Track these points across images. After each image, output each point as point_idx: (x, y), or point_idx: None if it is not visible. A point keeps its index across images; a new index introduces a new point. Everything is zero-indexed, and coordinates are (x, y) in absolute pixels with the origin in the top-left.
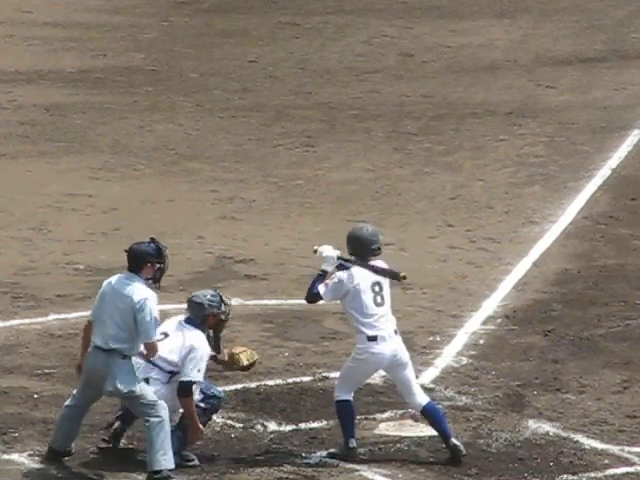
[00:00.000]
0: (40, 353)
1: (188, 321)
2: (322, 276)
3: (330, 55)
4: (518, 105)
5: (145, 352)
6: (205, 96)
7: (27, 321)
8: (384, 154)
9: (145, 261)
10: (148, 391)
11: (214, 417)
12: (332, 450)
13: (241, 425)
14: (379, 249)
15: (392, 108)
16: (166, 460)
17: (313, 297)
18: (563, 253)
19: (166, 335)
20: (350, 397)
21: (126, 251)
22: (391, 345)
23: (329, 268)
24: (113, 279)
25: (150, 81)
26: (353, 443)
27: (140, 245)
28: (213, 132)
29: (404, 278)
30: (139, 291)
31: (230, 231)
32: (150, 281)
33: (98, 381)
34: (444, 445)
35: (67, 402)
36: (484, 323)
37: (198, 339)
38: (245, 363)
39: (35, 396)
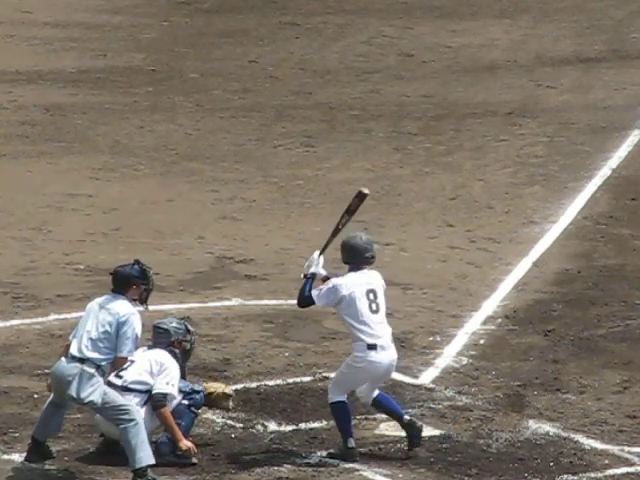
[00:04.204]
0: (40, 353)
1: (152, 348)
2: (311, 279)
3: (330, 55)
4: (518, 105)
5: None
6: (205, 96)
7: (27, 321)
8: (384, 154)
9: (131, 283)
10: (117, 397)
11: (214, 417)
12: (331, 450)
13: (241, 425)
14: (373, 257)
15: (392, 108)
16: (145, 457)
17: (305, 301)
18: (563, 253)
19: (132, 362)
20: (344, 398)
21: (111, 274)
22: (389, 355)
23: (316, 269)
24: (99, 299)
25: (150, 81)
26: (352, 443)
27: (125, 267)
28: (213, 132)
29: (365, 193)
30: (126, 307)
31: (230, 231)
32: (136, 302)
33: (63, 390)
34: (401, 426)
35: (50, 398)
36: (484, 323)
37: (165, 356)
38: (231, 405)
39: (35, 396)
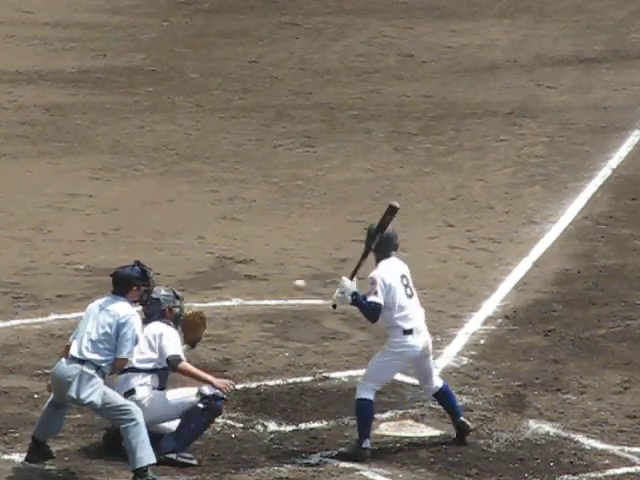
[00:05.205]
0: (40, 353)
1: (146, 323)
2: (358, 296)
3: (330, 55)
4: (518, 105)
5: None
6: (205, 96)
7: (27, 321)
8: (384, 154)
9: (131, 284)
10: (117, 397)
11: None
12: (342, 449)
13: (241, 425)
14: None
15: (392, 108)
16: (146, 457)
17: (373, 311)
18: (563, 253)
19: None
20: (372, 397)
21: (111, 275)
22: (424, 337)
23: (354, 287)
24: (100, 300)
25: (150, 81)
26: (367, 444)
27: (125, 269)
28: (213, 132)
29: (396, 207)
30: (126, 308)
31: (230, 231)
32: (137, 303)
33: (63, 390)
34: (452, 423)
35: (50, 398)
36: (484, 323)
37: (161, 326)
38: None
39: (35, 396)
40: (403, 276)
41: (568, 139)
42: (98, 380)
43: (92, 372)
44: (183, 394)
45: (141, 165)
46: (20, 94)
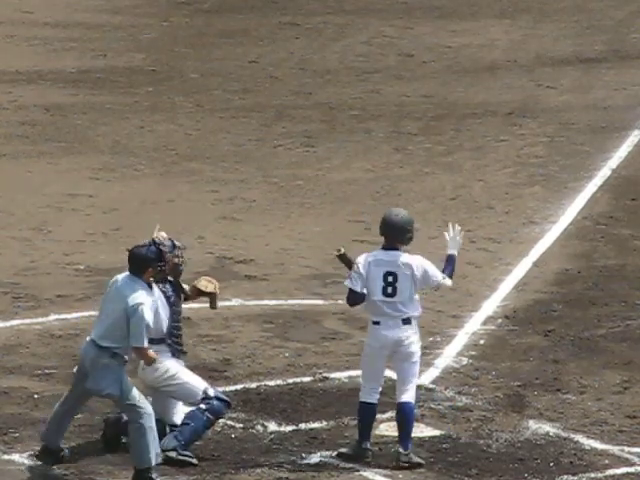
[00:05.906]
0: (40, 353)
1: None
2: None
3: (330, 55)
4: (518, 105)
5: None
6: (205, 96)
7: (27, 321)
8: (384, 154)
9: (147, 266)
10: (134, 394)
11: None
12: (342, 449)
13: (241, 425)
14: (411, 239)
15: (392, 108)
16: (148, 460)
17: (348, 296)
18: (563, 253)
19: None
20: (373, 399)
21: (128, 250)
22: (396, 332)
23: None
24: (119, 278)
25: (150, 81)
26: (367, 445)
27: (141, 249)
28: (213, 132)
29: (337, 254)
30: (136, 295)
31: (230, 231)
32: (153, 280)
33: (84, 372)
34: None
35: (60, 401)
36: (484, 323)
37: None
38: (209, 289)
39: (35, 396)
40: (390, 273)
41: (568, 139)
42: (116, 369)
43: (107, 361)
44: (194, 381)
45: (141, 165)
46: (20, 94)
